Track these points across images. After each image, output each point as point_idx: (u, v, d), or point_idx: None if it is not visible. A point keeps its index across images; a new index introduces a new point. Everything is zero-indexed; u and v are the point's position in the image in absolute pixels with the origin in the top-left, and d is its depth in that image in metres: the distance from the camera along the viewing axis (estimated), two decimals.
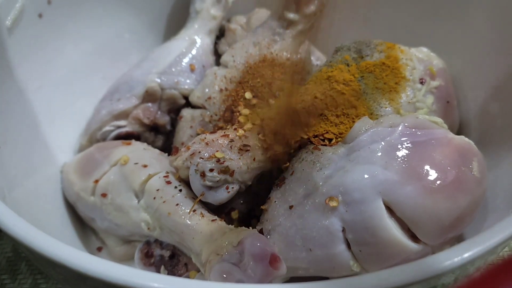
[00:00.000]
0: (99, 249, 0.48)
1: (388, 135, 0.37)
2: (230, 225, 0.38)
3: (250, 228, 0.37)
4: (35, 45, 0.50)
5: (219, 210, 0.43)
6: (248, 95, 0.48)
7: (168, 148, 0.53)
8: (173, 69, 0.53)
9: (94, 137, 0.52)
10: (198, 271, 0.40)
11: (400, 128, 0.37)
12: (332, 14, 0.57)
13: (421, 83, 0.45)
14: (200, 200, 0.39)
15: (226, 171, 0.39)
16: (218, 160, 0.39)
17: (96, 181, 0.44)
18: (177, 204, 0.39)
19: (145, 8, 0.62)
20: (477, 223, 0.40)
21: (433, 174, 0.35)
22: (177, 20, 0.64)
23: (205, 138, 0.41)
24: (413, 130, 0.37)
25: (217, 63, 0.56)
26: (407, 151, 0.36)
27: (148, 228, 0.40)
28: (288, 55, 0.50)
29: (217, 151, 0.40)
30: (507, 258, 0.19)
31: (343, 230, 0.35)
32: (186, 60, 0.54)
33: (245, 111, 0.47)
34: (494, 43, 0.48)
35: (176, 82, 0.53)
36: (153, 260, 0.41)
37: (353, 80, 0.44)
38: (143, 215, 0.41)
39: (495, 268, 0.19)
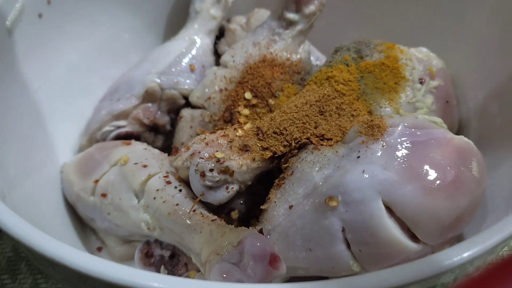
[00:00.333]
0: (99, 249, 0.48)
1: (388, 135, 0.37)
2: (230, 225, 0.38)
3: (250, 228, 0.37)
4: (35, 45, 0.50)
5: (219, 210, 0.43)
6: (248, 95, 0.48)
7: (168, 148, 0.53)
8: (173, 69, 0.53)
9: (94, 137, 0.52)
10: (198, 271, 0.40)
11: (399, 128, 0.37)
12: (332, 14, 0.58)
13: (421, 83, 0.45)
14: (200, 200, 0.39)
15: (226, 171, 0.39)
16: (218, 160, 0.39)
17: (96, 181, 0.44)
18: (177, 204, 0.39)
19: (144, 8, 0.62)
20: (476, 222, 0.40)
21: (432, 174, 0.35)
22: (176, 20, 0.64)
23: (205, 138, 0.41)
24: (413, 130, 0.37)
25: (217, 63, 0.56)
26: (406, 151, 0.36)
27: (148, 228, 0.41)
28: (288, 55, 0.50)
29: (217, 151, 0.40)
30: (507, 258, 0.19)
31: (343, 230, 0.36)
32: (186, 60, 0.54)
33: (245, 111, 0.47)
34: (493, 43, 0.48)
35: (176, 82, 0.53)
36: (153, 260, 0.42)
37: (353, 80, 0.44)
38: (143, 215, 0.41)
39: (495, 268, 0.19)
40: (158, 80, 0.52)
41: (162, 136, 0.54)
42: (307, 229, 0.37)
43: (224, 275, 0.31)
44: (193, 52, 0.55)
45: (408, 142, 0.36)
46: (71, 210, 0.49)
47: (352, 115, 0.43)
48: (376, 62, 0.46)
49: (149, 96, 0.52)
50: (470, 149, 0.37)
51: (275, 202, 0.40)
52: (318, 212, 0.36)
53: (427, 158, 0.35)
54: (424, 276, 0.28)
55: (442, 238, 0.36)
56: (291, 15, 0.50)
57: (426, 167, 0.35)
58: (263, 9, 0.60)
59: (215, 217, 0.39)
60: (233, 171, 0.39)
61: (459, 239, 0.41)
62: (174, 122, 0.54)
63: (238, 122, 0.46)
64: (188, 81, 0.53)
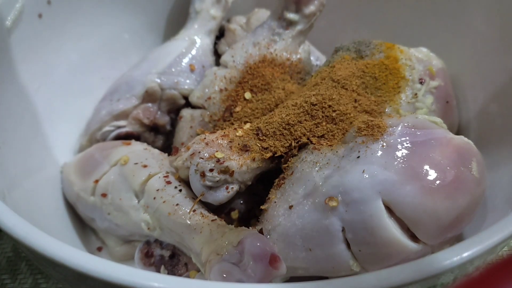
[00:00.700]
0: (99, 249, 0.48)
1: (388, 135, 0.37)
2: (230, 225, 0.38)
3: (250, 228, 0.37)
4: (35, 45, 0.50)
5: (219, 210, 0.43)
6: (247, 95, 0.48)
7: (168, 148, 0.53)
8: (173, 69, 0.53)
9: (94, 137, 0.52)
10: (198, 271, 0.40)
11: (399, 128, 0.37)
12: (332, 14, 0.58)
13: (421, 83, 0.45)
14: (200, 200, 0.39)
15: (226, 171, 0.39)
16: (218, 160, 0.39)
17: (96, 181, 0.44)
18: (177, 204, 0.39)
19: (144, 8, 0.62)
20: (476, 222, 0.40)
21: (432, 174, 0.35)
22: (176, 20, 0.64)
23: (205, 138, 0.41)
24: (413, 130, 0.37)
25: (217, 63, 0.56)
26: (406, 151, 0.36)
27: (148, 228, 0.41)
28: (288, 55, 0.50)
29: (216, 151, 0.40)
30: (506, 258, 0.19)
31: (343, 230, 0.36)
32: (186, 60, 0.54)
33: (245, 111, 0.47)
34: (493, 43, 0.48)
35: (176, 82, 0.53)
36: (153, 260, 0.42)
37: (354, 78, 0.44)
38: (143, 215, 0.41)
39: (494, 268, 0.19)
40: (158, 80, 0.52)
41: (162, 136, 0.54)
42: (307, 229, 0.37)
43: (224, 275, 0.31)
44: (193, 52, 0.55)
45: (408, 142, 0.36)
46: (71, 210, 0.49)
47: (352, 116, 0.43)
48: (376, 62, 0.46)
49: (149, 96, 0.52)
50: (470, 149, 0.37)
51: (275, 202, 0.40)
52: (318, 212, 0.36)
53: (427, 158, 0.35)
54: (424, 276, 0.28)
55: (442, 238, 0.36)
56: (291, 15, 0.50)
57: (426, 167, 0.35)
58: (263, 9, 0.60)
59: (215, 217, 0.39)
60: (233, 171, 0.39)
61: (459, 239, 0.41)
62: (174, 122, 0.54)
63: (238, 122, 0.46)
64: (188, 81, 0.53)
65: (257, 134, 0.41)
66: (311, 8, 0.50)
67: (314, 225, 0.36)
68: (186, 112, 0.50)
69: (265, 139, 0.41)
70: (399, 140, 0.36)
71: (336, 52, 0.49)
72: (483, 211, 0.41)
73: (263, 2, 0.63)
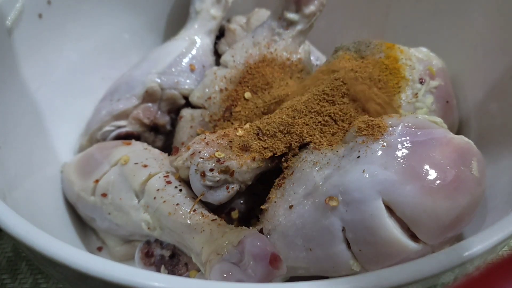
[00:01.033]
0: (99, 248, 0.48)
1: (388, 135, 0.37)
2: (230, 225, 0.38)
3: (250, 228, 0.37)
4: (35, 45, 0.50)
5: (219, 210, 0.43)
6: (248, 95, 0.48)
7: (168, 148, 0.53)
8: (173, 69, 0.53)
9: (94, 137, 0.52)
10: (198, 270, 0.40)
11: (399, 128, 0.37)
12: (332, 14, 0.58)
13: (421, 83, 0.45)
14: (200, 200, 0.39)
15: (226, 171, 0.39)
16: (218, 160, 0.39)
17: (96, 181, 0.45)
18: (177, 204, 0.39)
19: (144, 8, 0.62)
20: (476, 222, 0.40)
21: (432, 174, 0.35)
22: (176, 20, 0.64)
23: (205, 138, 0.41)
24: (413, 129, 0.37)
25: (217, 63, 0.56)
26: (406, 151, 0.36)
27: (149, 228, 0.41)
28: (288, 55, 0.50)
29: (217, 151, 0.40)
30: (506, 257, 0.19)
31: (343, 230, 0.36)
32: (186, 60, 0.54)
33: (245, 111, 0.47)
34: (493, 42, 0.48)
35: (176, 82, 0.53)
36: (153, 260, 0.42)
37: (356, 71, 0.45)
38: (144, 215, 0.41)
39: (494, 267, 0.19)
40: (158, 80, 0.52)
41: (162, 136, 0.54)
42: (307, 228, 0.37)
43: (225, 275, 0.31)
44: (193, 52, 0.55)
45: (408, 141, 0.36)
46: (71, 210, 0.49)
47: (352, 116, 0.43)
48: (376, 62, 0.46)
49: (149, 96, 0.52)
50: (470, 149, 0.37)
51: (275, 201, 0.40)
52: (318, 211, 0.36)
53: (427, 158, 0.35)
54: (424, 275, 0.28)
55: (442, 237, 0.36)
56: (291, 15, 0.50)
57: (426, 166, 0.35)
58: (263, 9, 0.61)
59: (216, 217, 0.39)
60: (233, 171, 0.39)
61: (459, 238, 0.41)
62: (174, 122, 0.54)
63: (238, 121, 0.46)
64: (188, 81, 0.53)
65: (258, 134, 0.41)
66: (311, 8, 0.50)
67: (314, 224, 0.36)
68: (186, 112, 0.50)
69: (265, 139, 0.41)
70: (399, 140, 0.36)
71: (336, 52, 0.49)
72: (483, 211, 0.41)
73: (263, 2, 0.63)
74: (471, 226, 0.38)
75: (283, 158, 0.42)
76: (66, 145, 0.53)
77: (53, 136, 0.51)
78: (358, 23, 0.62)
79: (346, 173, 0.36)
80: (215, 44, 0.59)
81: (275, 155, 0.41)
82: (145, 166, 0.43)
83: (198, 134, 0.48)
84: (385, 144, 0.36)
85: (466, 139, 0.38)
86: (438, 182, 0.34)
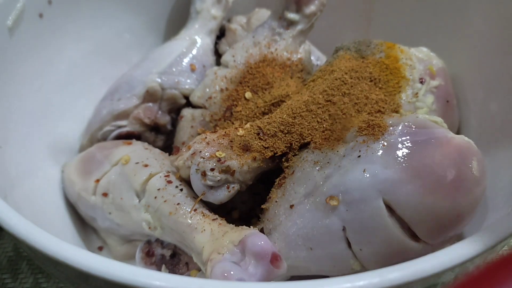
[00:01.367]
0: (100, 248, 0.48)
1: (388, 135, 0.37)
2: (231, 224, 0.38)
3: (251, 227, 0.37)
4: (35, 45, 0.50)
5: (219, 210, 0.43)
6: (248, 95, 0.48)
7: (168, 147, 0.53)
8: (174, 69, 0.53)
9: (95, 137, 0.52)
10: (199, 270, 0.41)
11: (400, 128, 0.37)
12: (332, 14, 0.58)
13: (421, 82, 0.46)
14: (201, 200, 0.40)
15: (227, 170, 0.39)
16: (219, 160, 0.39)
17: (97, 181, 0.45)
18: (178, 204, 0.39)
19: (145, 8, 0.62)
20: (476, 221, 0.40)
21: (433, 173, 0.35)
22: (177, 20, 0.64)
23: (206, 137, 0.41)
24: (413, 129, 0.37)
25: (218, 63, 0.56)
26: (407, 150, 0.36)
27: (149, 228, 0.41)
28: (289, 55, 0.50)
29: (217, 150, 0.40)
30: (506, 256, 0.19)
31: (344, 229, 0.36)
32: (186, 60, 0.54)
33: (246, 111, 0.47)
34: (493, 42, 0.48)
35: (176, 82, 0.53)
36: (154, 260, 0.42)
37: (356, 71, 0.45)
38: (144, 214, 0.41)
39: (494, 266, 0.19)
40: (159, 80, 0.52)
41: (163, 136, 0.54)
42: (308, 228, 0.37)
43: (226, 274, 0.32)
44: (194, 52, 0.55)
45: (408, 141, 0.36)
46: (72, 209, 0.49)
47: (352, 116, 0.43)
48: (376, 61, 0.46)
49: (150, 96, 0.52)
50: (470, 149, 0.37)
51: (276, 201, 0.40)
52: (319, 211, 0.37)
53: (428, 158, 0.35)
54: (424, 274, 0.28)
55: (443, 237, 0.36)
56: (292, 15, 0.50)
57: (427, 166, 0.35)
58: (264, 9, 0.61)
59: (216, 216, 0.39)
60: (234, 170, 0.39)
61: (459, 238, 0.41)
62: (174, 122, 0.54)
63: (239, 121, 0.46)
64: (189, 80, 0.53)
65: (258, 134, 0.42)
66: (311, 8, 0.50)
67: (315, 224, 0.37)
68: (187, 112, 0.50)
69: (266, 139, 0.41)
70: (399, 139, 0.36)
71: (337, 51, 0.49)
72: (483, 211, 0.41)
73: (264, 2, 0.63)
74: (471, 226, 0.38)
75: (284, 157, 0.42)
76: (67, 145, 0.53)
77: (53, 136, 0.51)
78: (358, 23, 0.63)
79: (346, 172, 0.36)
80: (216, 44, 0.59)
81: (276, 155, 0.41)
82: (146, 165, 0.43)
83: (199, 134, 0.48)
84: (385, 143, 0.36)
85: (466, 138, 0.38)
86: (438, 181, 0.35)
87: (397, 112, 0.44)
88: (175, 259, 0.41)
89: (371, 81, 0.45)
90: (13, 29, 0.47)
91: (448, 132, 0.38)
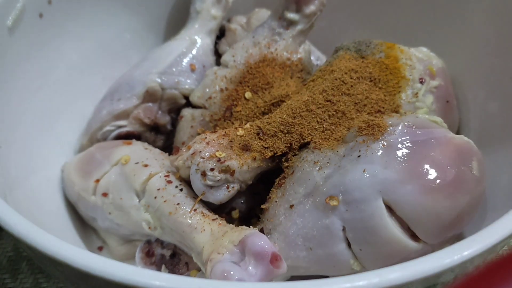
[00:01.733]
0: (100, 248, 0.48)
1: (388, 135, 0.37)
2: (230, 224, 0.38)
3: (251, 227, 0.37)
4: (35, 45, 0.50)
5: (219, 210, 0.43)
6: (248, 95, 0.48)
7: (168, 148, 0.53)
8: (174, 69, 0.53)
9: (95, 137, 0.52)
10: (199, 270, 0.41)
11: (400, 128, 0.37)
12: (332, 14, 0.58)
13: (421, 82, 0.46)
14: (200, 200, 0.40)
15: (226, 170, 0.39)
16: (219, 160, 0.39)
17: (97, 181, 0.45)
18: (178, 204, 0.39)
19: (145, 8, 0.62)
20: (476, 221, 0.40)
21: (433, 173, 0.35)
22: (177, 20, 0.64)
23: (206, 137, 0.41)
24: (413, 129, 0.37)
25: (217, 63, 0.56)
26: (407, 150, 0.36)
27: (149, 228, 0.41)
28: (289, 55, 0.50)
29: (217, 150, 0.40)
30: (506, 256, 0.19)
31: (344, 229, 0.36)
32: (186, 60, 0.54)
33: (246, 111, 0.47)
34: (493, 43, 0.48)
35: (176, 82, 0.53)
36: (154, 260, 0.42)
37: (357, 71, 0.45)
38: (144, 214, 0.41)
39: (494, 266, 0.19)
40: (159, 80, 0.52)
41: (163, 136, 0.54)
42: (307, 228, 0.37)
43: (225, 274, 0.32)
44: (194, 52, 0.55)
45: (408, 141, 0.36)
46: (71, 209, 0.49)
47: (352, 115, 0.43)
48: (376, 61, 0.46)
49: (149, 96, 0.52)
50: (470, 148, 0.37)
51: (276, 201, 0.40)
52: (318, 211, 0.37)
53: (428, 158, 0.35)
54: (424, 274, 0.28)
55: (442, 237, 0.36)
56: (292, 15, 0.50)
57: (427, 166, 0.35)
58: (264, 9, 0.61)
59: (216, 216, 0.39)
60: (234, 170, 0.39)
61: (459, 237, 0.41)
62: (174, 122, 0.54)
63: (239, 121, 0.46)
64: (188, 80, 0.53)
65: (258, 134, 0.42)
66: (311, 8, 0.50)
67: (315, 224, 0.37)
68: (187, 112, 0.50)
69: (266, 139, 0.41)
70: (399, 139, 0.37)
71: (336, 51, 0.49)
72: (483, 210, 0.41)
73: (263, 2, 0.63)
74: (471, 225, 0.39)
75: (284, 157, 0.42)
76: (67, 145, 0.53)
77: (53, 135, 0.51)
78: (358, 23, 0.62)
79: (346, 172, 0.36)
80: (216, 44, 0.59)
81: (276, 155, 0.41)
82: (146, 165, 0.43)
83: (199, 134, 0.48)
84: (385, 143, 0.36)
85: (466, 138, 0.38)
86: (438, 181, 0.35)
87: (397, 112, 0.44)
88: (175, 259, 0.41)
89: (371, 81, 0.45)
90: (13, 29, 0.47)
91: (448, 132, 0.38)
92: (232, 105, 0.48)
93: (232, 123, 0.47)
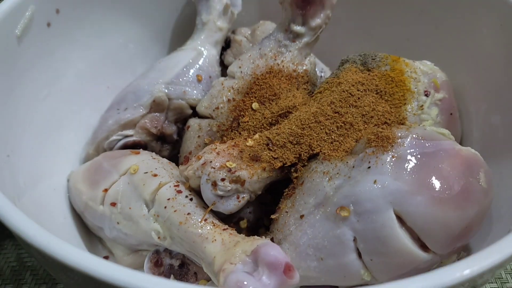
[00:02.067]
0: (106, 258, 0.47)
1: (398, 146, 0.37)
2: (241, 234, 0.38)
3: (263, 237, 0.37)
4: (43, 54, 0.50)
5: (227, 220, 0.43)
6: (255, 105, 0.48)
7: (174, 157, 0.53)
8: (180, 79, 0.54)
9: (101, 146, 0.52)
10: (208, 280, 0.40)
11: (408, 139, 0.38)
12: (336, 27, 0.59)
13: (426, 95, 0.46)
14: (210, 210, 0.40)
15: (237, 180, 0.39)
16: (230, 170, 0.39)
17: (105, 190, 0.44)
18: (188, 213, 0.39)
19: (150, 19, 0.63)
20: (482, 232, 0.40)
21: (442, 185, 0.35)
22: (181, 31, 0.65)
23: (216, 147, 0.41)
24: (422, 141, 0.38)
25: (223, 74, 0.56)
26: (416, 162, 0.36)
27: (159, 238, 0.40)
28: (294, 67, 0.51)
29: (228, 160, 0.40)
30: None
31: (354, 240, 0.36)
32: (193, 71, 0.55)
33: (253, 122, 0.47)
34: (495, 56, 0.49)
35: (183, 92, 0.53)
36: (162, 269, 0.41)
37: (364, 84, 0.45)
38: (154, 224, 0.41)
39: None
40: (166, 90, 0.53)
41: (169, 146, 0.55)
42: (318, 238, 0.37)
43: (239, 285, 0.31)
44: (200, 62, 0.56)
45: (417, 153, 0.37)
46: (77, 218, 0.48)
47: (360, 127, 0.43)
48: (382, 74, 0.47)
49: (156, 106, 0.52)
50: (477, 160, 0.38)
51: (286, 211, 0.40)
52: (329, 221, 0.37)
53: (437, 169, 0.36)
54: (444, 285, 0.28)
55: (452, 247, 0.36)
56: (298, 28, 0.51)
57: (436, 177, 0.36)
58: (268, 21, 0.61)
59: (227, 226, 0.39)
60: (244, 180, 0.39)
61: (465, 248, 0.42)
62: (181, 132, 0.54)
63: (246, 132, 0.47)
64: (195, 91, 0.54)
65: (267, 144, 0.42)
66: (317, 21, 0.51)
67: (326, 234, 0.37)
68: (193, 122, 0.50)
69: (275, 149, 0.42)
70: (408, 151, 0.37)
71: (343, 64, 0.49)
72: (489, 221, 0.42)
73: (268, 15, 0.64)
74: (477, 236, 0.39)
75: (293, 168, 0.42)
76: (72, 154, 0.53)
77: (59, 144, 0.51)
78: (362, 37, 0.63)
79: (357, 183, 0.37)
80: (221, 55, 0.60)
81: (285, 165, 0.41)
82: (155, 175, 0.43)
83: (206, 144, 0.48)
84: (395, 155, 0.37)
85: (473, 150, 0.39)
86: (447, 192, 0.35)
87: (402, 124, 0.44)
88: (183, 269, 0.41)
89: (377, 93, 0.46)
90: (22, 37, 0.47)
91: (456, 144, 0.39)
92: (240, 116, 0.48)
93: (240, 134, 0.47)
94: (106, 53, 0.58)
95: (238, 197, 0.40)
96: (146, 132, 0.52)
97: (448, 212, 0.35)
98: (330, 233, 0.37)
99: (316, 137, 0.42)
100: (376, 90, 0.46)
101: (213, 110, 0.49)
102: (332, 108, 0.44)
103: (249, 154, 0.41)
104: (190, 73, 0.54)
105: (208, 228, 0.38)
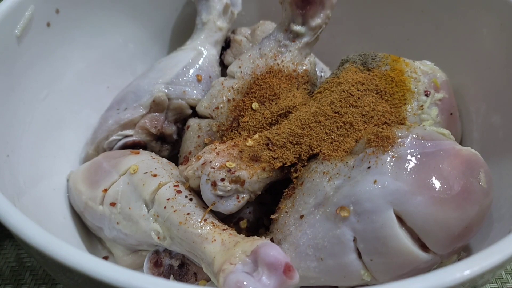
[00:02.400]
0: (105, 258, 0.47)
1: (398, 146, 0.37)
2: (241, 235, 0.38)
3: (263, 237, 0.37)
4: (43, 53, 0.50)
5: (227, 220, 0.43)
6: (255, 105, 0.48)
7: (174, 157, 0.53)
8: (180, 79, 0.54)
9: (101, 146, 0.52)
10: (208, 280, 0.40)
11: (408, 139, 0.38)
12: (336, 27, 0.59)
13: (426, 95, 0.46)
14: (210, 210, 0.40)
15: (237, 180, 0.39)
16: (229, 170, 0.39)
17: (105, 190, 0.44)
18: (188, 214, 0.39)
19: (150, 19, 0.63)
20: (482, 233, 0.40)
21: (442, 185, 0.35)
22: (181, 31, 0.65)
23: (216, 147, 0.41)
24: (422, 141, 0.38)
25: (223, 73, 0.56)
26: (416, 162, 0.36)
27: (158, 238, 0.40)
28: (294, 67, 0.51)
29: (227, 160, 0.40)
30: None
31: (354, 240, 0.36)
32: (193, 71, 0.55)
33: (253, 121, 0.47)
34: (495, 56, 0.49)
35: (183, 92, 0.53)
36: (162, 270, 0.41)
37: (364, 84, 0.45)
38: (153, 224, 0.41)
39: None
40: (166, 90, 0.53)
41: (169, 146, 0.55)
42: (318, 238, 0.37)
43: (239, 285, 0.31)
44: (200, 62, 0.55)
45: (417, 153, 0.37)
46: (77, 219, 0.48)
47: (360, 127, 0.43)
48: (382, 74, 0.47)
49: (156, 106, 0.52)
50: (477, 160, 0.38)
51: (286, 212, 0.40)
52: (329, 221, 0.37)
53: (437, 169, 0.36)
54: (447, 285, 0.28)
55: (452, 247, 0.36)
56: (298, 28, 0.51)
57: (436, 177, 0.36)
58: (268, 21, 0.61)
59: (226, 226, 0.39)
60: (244, 180, 0.39)
61: (465, 248, 0.42)
62: (180, 132, 0.54)
63: (246, 132, 0.47)
64: (195, 91, 0.53)
65: (267, 144, 0.42)
66: (317, 21, 0.51)
67: (326, 234, 0.37)
68: (193, 122, 0.50)
69: (275, 149, 0.41)
70: (408, 151, 0.37)
71: (343, 64, 0.49)
72: (489, 222, 0.42)
73: (267, 14, 0.64)
74: (477, 236, 0.39)
75: (293, 168, 0.42)
76: (72, 154, 0.53)
77: (59, 144, 0.51)
78: (362, 37, 0.63)
79: (357, 183, 0.37)
80: (221, 55, 0.60)
81: (285, 165, 0.41)
82: (155, 175, 0.43)
83: (206, 144, 0.48)
84: (395, 155, 0.37)
85: (473, 150, 0.39)
86: (448, 192, 0.35)
87: (402, 124, 0.44)
88: (183, 269, 0.41)
89: (377, 93, 0.46)
90: (21, 37, 0.47)
91: (456, 144, 0.38)
92: (239, 116, 0.48)
93: (239, 134, 0.47)
94: (106, 53, 0.58)
95: (237, 197, 0.40)
96: (146, 132, 0.52)
97: (448, 212, 0.35)
98: (330, 233, 0.37)
99: (316, 137, 0.42)
100: (376, 90, 0.46)
101: (213, 110, 0.49)
102: (332, 108, 0.44)
103: (249, 154, 0.41)
104: (190, 73, 0.54)
105: (208, 228, 0.38)
